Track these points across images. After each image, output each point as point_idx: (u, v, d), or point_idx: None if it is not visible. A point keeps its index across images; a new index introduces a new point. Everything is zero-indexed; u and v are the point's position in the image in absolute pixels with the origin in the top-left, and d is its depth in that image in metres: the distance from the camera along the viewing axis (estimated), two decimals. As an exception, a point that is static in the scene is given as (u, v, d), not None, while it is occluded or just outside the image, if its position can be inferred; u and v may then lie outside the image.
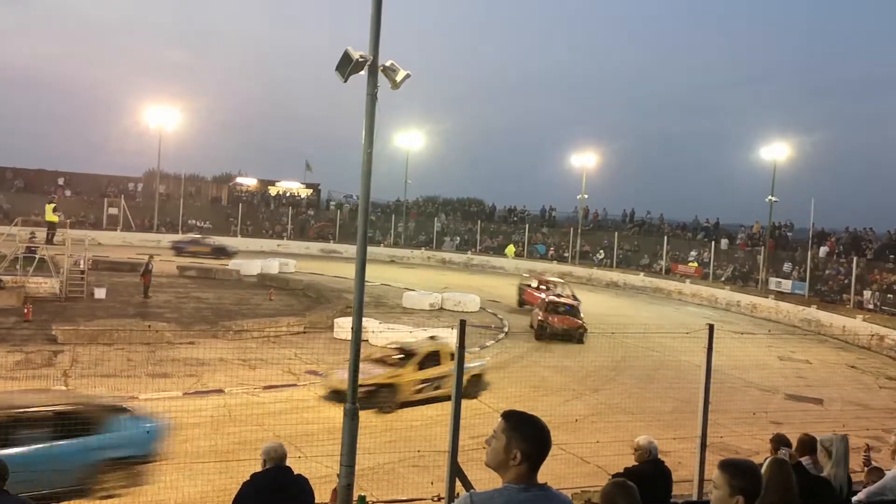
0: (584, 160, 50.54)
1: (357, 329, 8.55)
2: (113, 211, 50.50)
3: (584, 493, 8.53)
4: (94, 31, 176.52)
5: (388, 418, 13.91)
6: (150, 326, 19.76)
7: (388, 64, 8.48)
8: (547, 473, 2.83)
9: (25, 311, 21.25)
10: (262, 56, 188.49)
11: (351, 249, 39.36)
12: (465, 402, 8.25)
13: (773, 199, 39.77)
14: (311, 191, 62.75)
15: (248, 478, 5.86)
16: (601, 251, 48.20)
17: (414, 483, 10.45)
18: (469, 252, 51.50)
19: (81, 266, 26.35)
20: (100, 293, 25.41)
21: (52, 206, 28.59)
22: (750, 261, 41.51)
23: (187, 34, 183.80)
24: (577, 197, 50.96)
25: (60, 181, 53.69)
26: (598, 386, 18.26)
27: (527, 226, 52.71)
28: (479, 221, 54.49)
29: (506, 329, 25.31)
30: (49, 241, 27.65)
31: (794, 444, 7.15)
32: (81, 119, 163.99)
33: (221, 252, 42.52)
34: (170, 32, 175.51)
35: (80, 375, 15.39)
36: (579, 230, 49.12)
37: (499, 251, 51.23)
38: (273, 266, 37.18)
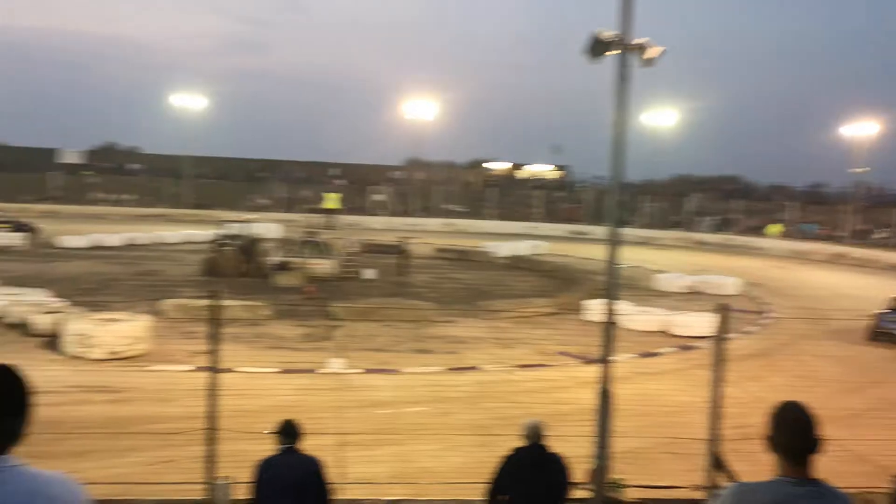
0: (862, 129, 45.51)
1: (609, 311, 8.55)
2: (378, 197, 54.42)
3: (864, 495, 7.84)
4: (362, 31, 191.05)
5: (645, 403, 13.67)
6: (413, 306, 21.16)
7: (640, 41, 8.29)
8: (821, 470, 2.71)
9: (309, 289, 23.71)
10: (514, 42, 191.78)
11: (600, 231, 39.06)
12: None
13: None
14: (560, 173, 63.05)
15: (509, 451, 6.14)
16: (883, 229, 43.24)
17: (670, 470, 10.24)
18: (726, 232, 48.72)
19: (352, 249, 28.82)
20: (369, 273, 27.66)
21: (338, 195, 31.95)
22: None
23: (441, 26, 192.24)
24: (854, 170, 46.11)
25: (334, 172, 58.96)
26: (882, 378, 16.52)
27: (792, 203, 48.73)
28: (736, 200, 51.32)
29: (771, 314, 23.71)
30: (329, 226, 30.71)
31: None
32: (352, 113, 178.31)
33: None
34: (425, 26, 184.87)
35: (354, 349, 16.90)
36: (855, 207, 44.45)
37: (760, 231, 47.92)
38: (524, 248, 37.97)
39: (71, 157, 71.67)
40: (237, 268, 26.58)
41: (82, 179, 65.44)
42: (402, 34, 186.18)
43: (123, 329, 15.45)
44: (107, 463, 9.27)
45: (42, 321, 16.61)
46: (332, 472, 6.00)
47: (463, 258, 35.61)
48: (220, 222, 30.72)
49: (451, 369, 15.69)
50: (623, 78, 8.25)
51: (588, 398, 9.08)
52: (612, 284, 8.64)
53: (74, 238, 35.24)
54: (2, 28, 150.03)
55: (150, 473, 8.98)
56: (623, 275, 28.10)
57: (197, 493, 7.54)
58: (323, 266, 27.29)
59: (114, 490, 7.90)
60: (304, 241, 28.77)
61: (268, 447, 5.99)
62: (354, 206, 52.54)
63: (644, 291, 27.47)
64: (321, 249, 28.15)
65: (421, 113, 53.08)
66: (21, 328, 16.85)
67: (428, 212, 53.73)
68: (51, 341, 15.75)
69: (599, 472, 8.11)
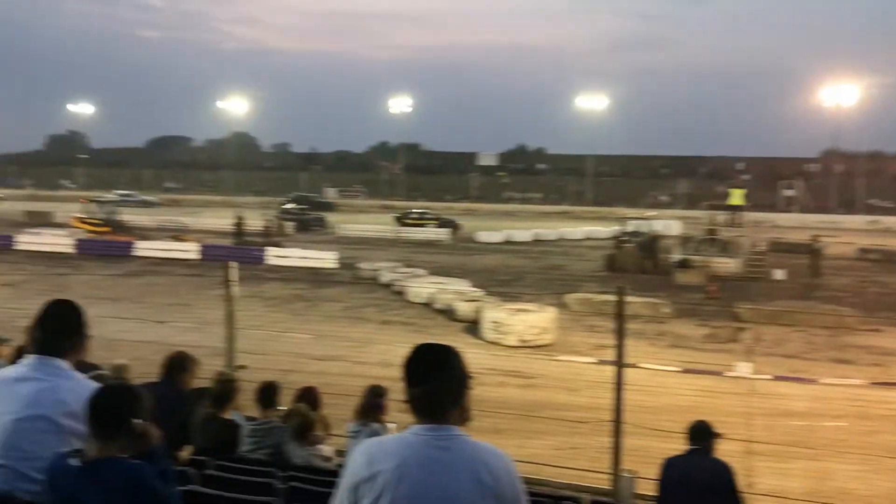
0: None
1: None
2: (789, 192, 50.53)
3: None
4: (767, 16, 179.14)
5: None
6: (830, 311, 19.22)
7: None
8: None
9: (711, 288, 22.91)
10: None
11: None
12: None
13: None
14: None
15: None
16: None
17: None
18: None
19: (759, 247, 27.15)
20: (778, 274, 25.78)
21: (744, 191, 30.75)
22: None
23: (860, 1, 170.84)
24: None
25: (739, 166, 56.21)
26: None
27: None
28: None
29: None
30: (733, 223, 29.45)
31: None
32: (760, 105, 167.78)
33: None
34: (839, 3, 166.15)
35: (762, 353, 15.90)
36: None
37: None
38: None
39: (487, 159, 78.94)
40: (638, 264, 26.82)
41: (496, 180, 71.71)
42: (812, 15, 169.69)
43: (532, 319, 16.61)
44: (519, 442, 10.04)
45: (464, 308, 18.62)
46: (739, 480, 5.74)
47: (892, 260, 31.35)
48: (621, 219, 31.28)
49: (876, 383, 13.91)
50: None
51: None
52: None
53: (490, 234, 39.06)
54: (430, 48, 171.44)
55: (557, 457, 9.50)
56: None
57: (602, 482, 7.79)
58: (726, 265, 26.21)
59: (525, 469, 8.51)
60: (706, 239, 27.92)
61: (671, 446, 5.94)
62: (762, 201, 49.39)
63: None
64: (724, 247, 27.07)
65: (840, 99, 47.94)
66: (446, 314, 19.08)
67: (848, 208, 48.34)
68: (470, 327, 17.57)
69: None
